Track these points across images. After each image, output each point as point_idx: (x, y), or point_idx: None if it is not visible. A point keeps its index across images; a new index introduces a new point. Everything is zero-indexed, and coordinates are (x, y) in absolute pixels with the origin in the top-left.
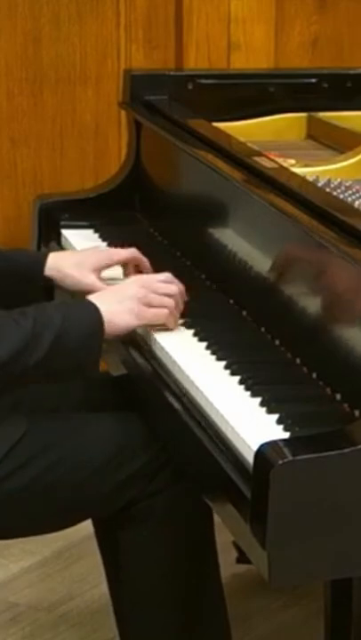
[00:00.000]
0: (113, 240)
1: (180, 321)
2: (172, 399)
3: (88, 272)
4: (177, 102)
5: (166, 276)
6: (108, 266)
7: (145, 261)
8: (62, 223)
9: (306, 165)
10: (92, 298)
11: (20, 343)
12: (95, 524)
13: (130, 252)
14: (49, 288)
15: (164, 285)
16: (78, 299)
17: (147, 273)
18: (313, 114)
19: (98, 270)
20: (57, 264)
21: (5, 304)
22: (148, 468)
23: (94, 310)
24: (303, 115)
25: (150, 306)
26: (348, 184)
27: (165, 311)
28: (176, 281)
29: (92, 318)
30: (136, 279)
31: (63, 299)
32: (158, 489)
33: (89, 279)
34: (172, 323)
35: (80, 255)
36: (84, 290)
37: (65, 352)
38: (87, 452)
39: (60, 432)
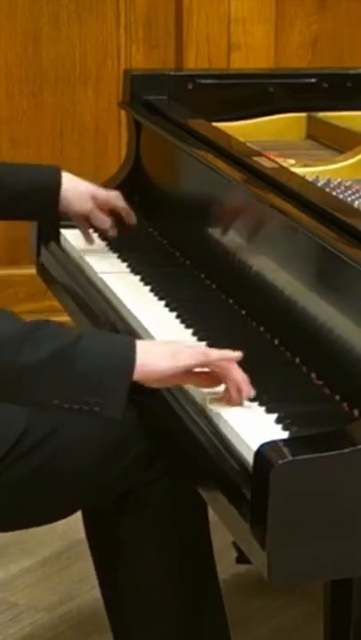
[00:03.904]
0: (113, 240)
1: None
2: (171, 400)
3: (88, 198)
4: (177, 102)
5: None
6: (104, 201)
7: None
8: (62, 223)
9: (306, 165)
10: (137, 341)
11: (13, 332)
12: (85, 519)
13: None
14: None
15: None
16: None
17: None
18: (313, 114)
19: (95, 201)
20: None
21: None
22: (145, 457)
23: (128, 346)
24: (303, 115)
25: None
26: (348, 184)
27: (205, 350)
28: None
29: (121, 353)
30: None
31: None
32: (154, 477)
33: (89, 205)
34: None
35: (80, 180)
36: (83, 213)
37: (68, 372)
38: (84, 442)
39: (57, 423)
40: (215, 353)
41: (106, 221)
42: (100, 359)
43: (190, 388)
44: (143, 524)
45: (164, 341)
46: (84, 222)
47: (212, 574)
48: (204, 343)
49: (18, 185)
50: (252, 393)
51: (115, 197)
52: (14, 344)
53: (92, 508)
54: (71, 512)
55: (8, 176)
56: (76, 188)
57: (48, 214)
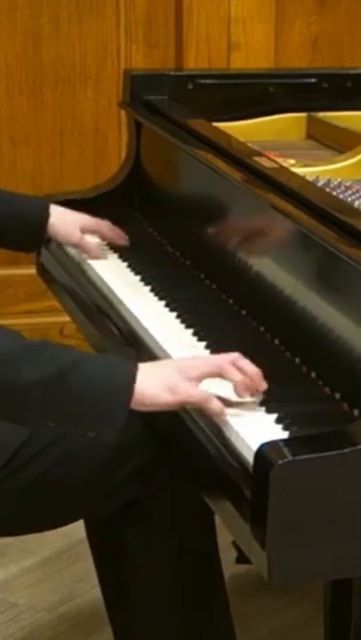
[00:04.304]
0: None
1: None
2: None
3: (75, 229)
4: (177, 102)
5: (233, 356)
6: (92, 230)
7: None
8: None
9: (306, 165)
10: (140, 365)
11: (13, 350)
12: (87, 525)
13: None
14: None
15: (212, 357)
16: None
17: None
18: (313, 114)
19: (83, 230)
20: (58, 214)
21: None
22: (147, 467)
23: (128, 373)
24: (303, 115)
25: (190, 379)
26: (348, 184)
27: (205, 394)
28: (245, 364)
29: (121, 380)
30: (183, 357)
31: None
32: (158, 487)
33: (77, 235)
34: (215, 409)
35: (69, 212)
36: (72, 244)
37: (65, 395)
38: (87, 451)
39: (60, 432)
40: (215, 404)
41: (94, 250)
42: (98, 385)
43: None
44: (146, 535)
45: (165, 367)
46: (75, 247)
47: (216, 579)
48: (204, 344)
49: (3, 218)
50: (264, 386)
51: (104, 227)
52: (13, 362)
53: (94, 518)
54: (72, 520)
55: None
56: (63, 222)
57: (31, 248)
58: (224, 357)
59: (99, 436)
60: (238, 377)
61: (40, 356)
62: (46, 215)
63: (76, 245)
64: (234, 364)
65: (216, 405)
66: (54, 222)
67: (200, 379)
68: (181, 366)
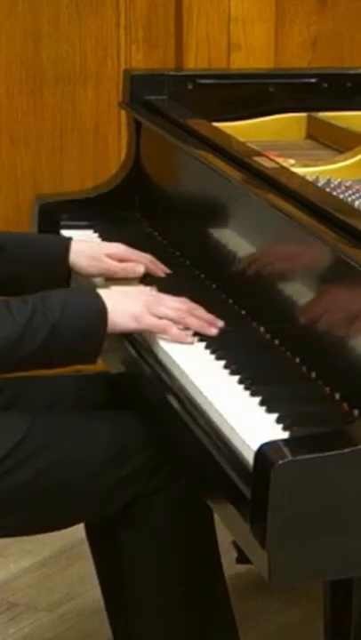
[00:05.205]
0: (112, 241)
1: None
2: (171, 399)
3: (103, 257)
4: (177, 102)
5: (182, 300)
6: (119, 257)
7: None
8: (62, 223)
9: (306, 165)
10: (100, 292)
11: (15, 334)
12: (87, 526)
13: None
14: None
15: (174, 300)
16: (86, 289)
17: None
18: (313, 114)
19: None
20: (78, 249)
21: (31, 290)
22: (147, 467)
23: (99, 305)
24: (303, 115)
25: (153, 314)
26: (348, 184)
27: (165, 322)
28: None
29: (95, 313)
30: (149, 289)
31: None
32: (157, 488)
33: (106, 263)
34: (175, 335)
35: (93, 243)
36: (103, 273)
37: (61, 345)
38: (86, 451)
39: (58, 432)
40: (175, 330)
41: (119, 269)
42: (81, 322)
43: (191, 387)
44: (146, 536)
45: (125, 295)
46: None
47: (217, 579)
48: (204, 343)
49: (25, 256)
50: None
51: (122, 251)
52: (18, 343)
53: (94, 519)
54: (72, 523)
55: (14, 249)
56: (80, 254)
57: (57, 284)
58: (184, 307)
59: (84, 361)
60: (197, 324)
61: (34, 329)
62: (66, 250)
63: (108, 274)
64: (192, 314)
65: (176, 331)
66: (74, 259)
67: (161, 317)
68: (148, 302)
